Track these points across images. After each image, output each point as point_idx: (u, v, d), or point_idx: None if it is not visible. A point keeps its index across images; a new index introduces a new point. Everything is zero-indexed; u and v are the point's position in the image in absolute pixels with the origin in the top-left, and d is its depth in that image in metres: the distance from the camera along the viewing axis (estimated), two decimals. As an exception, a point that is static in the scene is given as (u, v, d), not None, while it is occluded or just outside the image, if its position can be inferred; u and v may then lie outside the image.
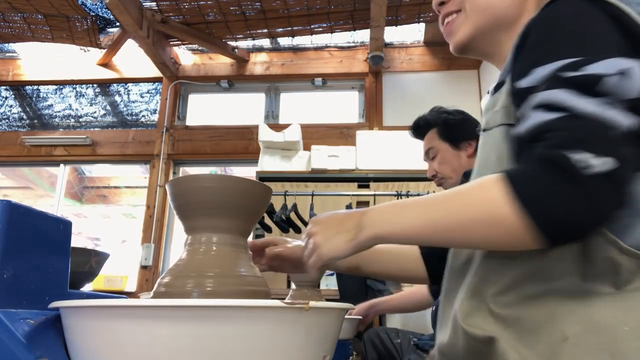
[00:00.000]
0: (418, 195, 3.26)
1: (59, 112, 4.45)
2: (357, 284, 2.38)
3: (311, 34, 4.04)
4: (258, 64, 4.29)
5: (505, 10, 0.73)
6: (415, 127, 1.72)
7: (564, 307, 0.55)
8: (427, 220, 0.58)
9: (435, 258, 0.92)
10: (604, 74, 0.52)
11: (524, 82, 0.58)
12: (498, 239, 0.54)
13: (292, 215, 3.13)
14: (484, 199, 0.54)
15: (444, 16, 0.80)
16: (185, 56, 4.36)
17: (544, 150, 0.52)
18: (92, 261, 1.02)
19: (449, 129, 1.63)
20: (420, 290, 1.80)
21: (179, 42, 4.16)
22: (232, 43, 4.13)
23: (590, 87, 0.52)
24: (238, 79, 4.30)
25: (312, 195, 3.25)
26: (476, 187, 0.56)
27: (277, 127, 3.73)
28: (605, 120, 0.51)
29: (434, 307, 1.62)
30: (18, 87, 4.53)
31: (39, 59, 4.48)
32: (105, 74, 4.37)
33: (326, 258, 0.66)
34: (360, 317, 1.68)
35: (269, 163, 3.57)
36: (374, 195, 3.26)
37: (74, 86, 4.49)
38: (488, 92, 0.80)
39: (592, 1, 0.58)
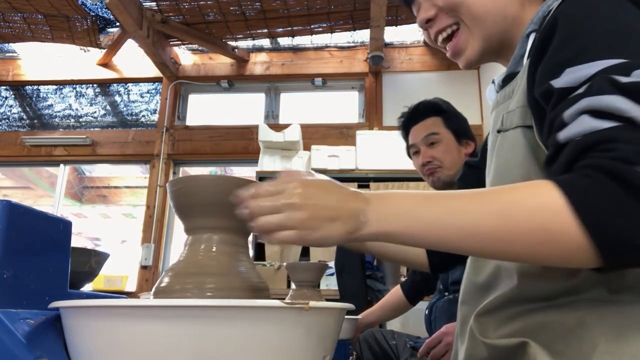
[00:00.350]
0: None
1: (59, 112, 4.45)
2: (357, 284, 2.37)
3: (311, 34, 4.04)
4: (258, 64, 4.29)
5: (505, 9, 0.68)
6: (415, 110, 1.59)
7: (594, 313, 0.52)
8: (459, 223, 0.48)
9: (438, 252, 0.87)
10: None
11: (559, 82, 0.51)
12: (547, 254, 0.47)
13: (292, 215, 3.12)
14: (536, 207, 0.46)
15: (436, 33, 0.73)
16: (185, 56, 4.36)
17: (607, 162, 0.44)
18: (92, 261, 1.02)
19: (454, 119, 1.55)
20: (395, 295, 1.78)
21: (179, 42, 4.16)
22: (232, 43, 4.13)
23: None
24: (238, 79, 4.30)
25: (312, 195, 3.25)
26: (523, 190, 0.48)
27: (277, 127, 3.73)
28: None
29: (427, 311, 1.62)
30: (18, 87, 4.53)
31: (39, 59, 4.48)
32: (105, 74, 4.37)
33: (313, 243, 0.53)
34: (359, 317, 1.68)
35: (269, 163, 3.57)
36: (374, 195, 3.26)
37: (74, 86, 4.49)
38: (493, 82, 0.76)
39: None
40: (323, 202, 0.51)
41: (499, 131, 0.65)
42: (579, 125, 0.47)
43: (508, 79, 0.68)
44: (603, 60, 0.49)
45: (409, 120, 1.63)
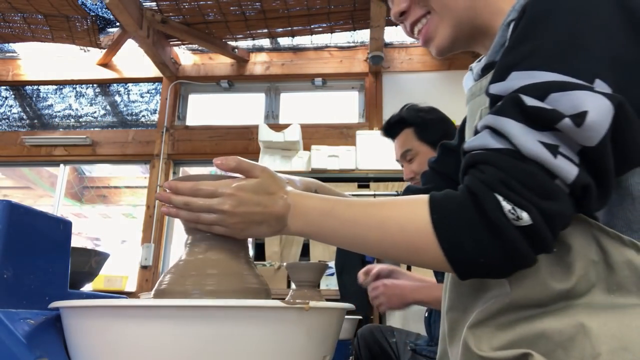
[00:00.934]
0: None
1: (59, 112, 4.45)
2: (357, 284, 2.37)
3: (311, 34, 4.04)
4: (258, 64, 4.29)
5: None
6: (387, 126, 1.63)
7: (594, 319, 0.51)
8: (350, 234, 0.58)
9: None
10: (565, 115, 0.47)
11: (495, 88, 0.54)
12: (419, 263, 0.55)
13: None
14: (406, 223, 0.54)
15: (412, 25, 0.75)
16: (185, 56, 4.36)
17: (476, 183, 0.50)
18: (92, 261, 1.02)
19: (426, 129, 1.55)
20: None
21: (179, 42, 4.16)
22: (232, 43, 4.13)
23: (547, 124, 0.48)
24: (238, 79, 4.30)
25: (312, 195, 3.25)
26: (400, 207, 0.55)
27: (277, 127, 3.73)
28: (552, 168, 0.48)
29: (426, 313, 1.60)
30: (18, 87, 4.53)
31: (39, 59, 4.48)
32: (105, 74, 4.37)
33: (241, 237, 0.63)
34: (360, 317, 1.65)
35: (269, 163, 3.57)
36: (374, 195, 3.26)
37: (74, 86, 4.49)
38: (470, 69, 0.76)
39: None
40: (252, 209, 0.59)
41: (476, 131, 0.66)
42: (479, 138, 0.52)
43: (487, 68, 0.67)
44: (538, 72, 0.50)
45: (387, 136, 1.67)
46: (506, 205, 0.47)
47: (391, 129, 1.63)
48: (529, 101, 0.49)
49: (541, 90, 0.49)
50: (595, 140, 0.47)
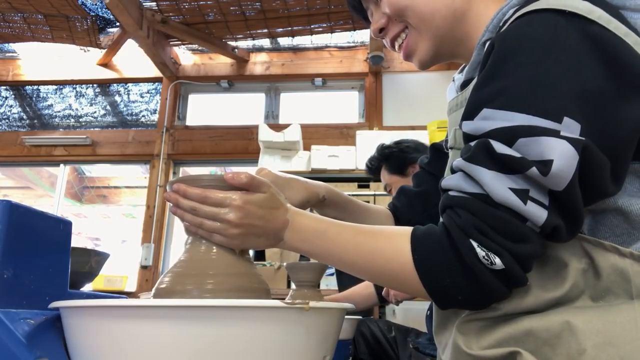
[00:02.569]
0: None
1: (59, 112, 4.45)
2: (357, 284, 2.38)
3: (311, 34, 4.04)
4: (258, 64, 4.29)
5: (453, 5, 0.68)
6: (369, 170, 1.90)
7: (579, 316, 0.52)
8: (340, 258, 0.62)
9: (408, 223, 0.88)
10: (532, 163, 0.49)
11: (467, 127, 0.56)
12: (406, 292, 0.61)
13: (292, 215, 3.12)
14: (391, 256, 0.58)
15: (392, 40, 0.75)
16: (185, 56, 4.36)
17: (453, 227, 0.54)
18: (92, 261, 1.02)
19: (390, 163, 1.82)
20: (366, 287, 1.74)
21: (179, 42, 4.16)
22: (232, 43, 4.13)
23: (517, 170, 0.51)
24: (238, 79, 4.30)
25: (312, 195, 3.25)
26: (387, 239, 0.59)
27: (277, 127, 3.73)
28: (522, 213, 0.51)
29: (428, 312, 1.60)
30: (18, 87, 4.53)
31: (39, 59, 4.48)
32: (105, 74, 4.37)
33: (238, 248, 0.64)
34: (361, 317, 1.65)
35: (269, 163, 3.57)
36: (374, 195, 3.26)
37: (74, 86, 4.49)
38: (453, 80, 0.77)
39: (572, 18, 0.53)
40: (254, 222, 0.61)
41: (451, 148, 0.70)
42: (454, 179, 0.56)
43: (465, 84, 0.69)
44: (508, 113, 0.52)
45: (373, 177, 1.97)
46: (480, 252, 0.51)
47: (373, 172, 1.90)
48: (498, 147, 0.52)
49: (509, 135, 0.51)
50: (562, 185, 0.50)
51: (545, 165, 0.49)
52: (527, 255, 0.52)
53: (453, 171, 0.58)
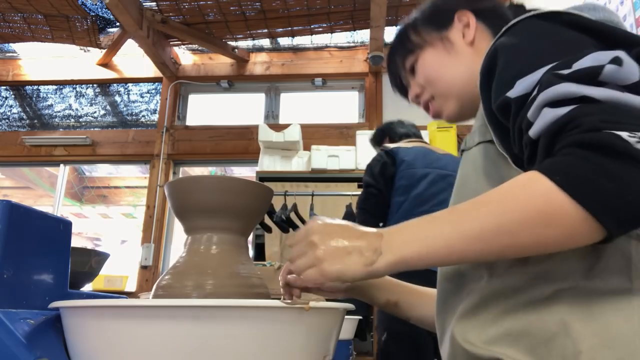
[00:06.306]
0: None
1: (59, 112, 4.46)
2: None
3: (311, 34, 4.04)
4: (258, 64, 4.29)
5: (465, 73, 0.77)
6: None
7: (577, 315, 0.52)
8: (462, 231, 0.51)
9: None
10: (600, 65, 0.49)
11: (514, 93, 0.54)
12: (553, 237, 0.47)
13: (292, 216, 3.13)
14: (528, 196, 0.48)
15: (425, 103, 0.86)
16: (185, 56, 4.36)
17: (578, 136, 0.46)
18: (92, 261, 1.02)
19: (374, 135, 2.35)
20: None
21: (179, 42, 4.16)
22: (232, 43, 4.13)
23: (592, 78, 0.49)
24: (238, 79, 4.30)
25: (312, 195, 3.25)
26: (513, 187, 0.50)
27: (277, 127, 3.72)
28: (629, 102, 0.47)
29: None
30: (18, 87, 4.53)
31: (39, 59, 4.48)
32: (105, 74, 4.37)
33: (332, 277, 0.55)
34: (361, 317, 1.66)
35: (269, 163, 3.57)
36: (374, 195, 3.26)
37: (74, 86, 4.49)
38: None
39: (547, 16, 0.60)
40: (338, 237, 0.56)
41: (462, 150, 0.71)
42: (543, 118, 0.50)
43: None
44: (546, 66, 0.53)
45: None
46: (622, 133, 0.44)
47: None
48: (565, 72, 0.50)
49: (566, 65, 0.51)
50: (636, 75, 0.49)
51: (614, 61, 0.48)
52: None
53: (528, 123, 0.52)
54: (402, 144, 2.03)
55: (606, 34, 0.56)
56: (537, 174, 0.47)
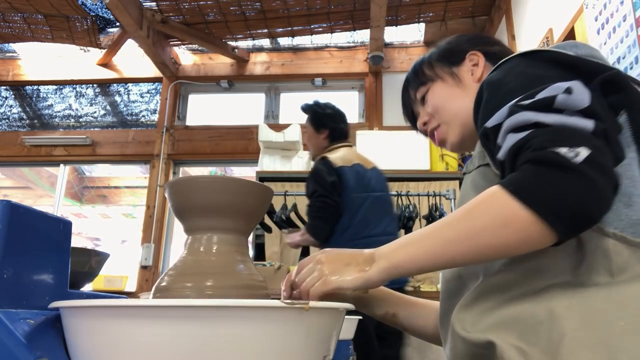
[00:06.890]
0: (418, 195, 3.26)
1: (59, 112, 4.46)
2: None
3: (311, 34, 4.05)
4: (258, 64, 4.29)
5: (469, 105, 0.81)
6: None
7: (563, 303, 0.58)
8: (440, 239, 0.61)
9: None
10: (554, 95, 0.59)
11: (490, 122, 0.64)
12: (511, 240, 0.57)
13: (292, 215, 3.13)
14: (489, 204, 0.58)
15: (431, 131, 0.95)
16: (185, 56, 4.36)
17: (529, 154, 0.56)
18: (92, 261, 1.02)
19: (314, 117, 2.57)
20: None
21: (179, 42, 4.16)
22: (232, 43, 4.13)
23: (547, 107, 0.59)
24: (238, 79, 4.30)
25: (312, 195, 3.25)
26: (478, 200, 0.60)
27: (277, 127, 3.73)
28: (573, 125, 0.57)
29: None
30: (18, 87, 4.53)
31: (39, 59, 4.48)
32: (105, 74, 4.37)
33: (334, 286, 0.64)
34: (360, 317, 1.65)
35: (269, 163, 3.56)
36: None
37: (74, 86, 4.49)
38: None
39: (528, 55, 0.70)
40: (340, 255, 0.68)
41: (464, 174, 0.78)
42: (507, 142, 0.60)
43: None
44: (516, 99, 0.62)
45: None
46: (562, 149, 0.54)
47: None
48: (526, 102, 0.60)
49: (528, 97, 0.61)
50: (587, 100, 0.58)
51: (567, 91, 0.58)
52: (601, 147, 0.55)
53: (499, 147, 0.62)
54: (338, 157, 2.24)
55: (579, 67, 0.65)
56: (498, 187, 0.58)
